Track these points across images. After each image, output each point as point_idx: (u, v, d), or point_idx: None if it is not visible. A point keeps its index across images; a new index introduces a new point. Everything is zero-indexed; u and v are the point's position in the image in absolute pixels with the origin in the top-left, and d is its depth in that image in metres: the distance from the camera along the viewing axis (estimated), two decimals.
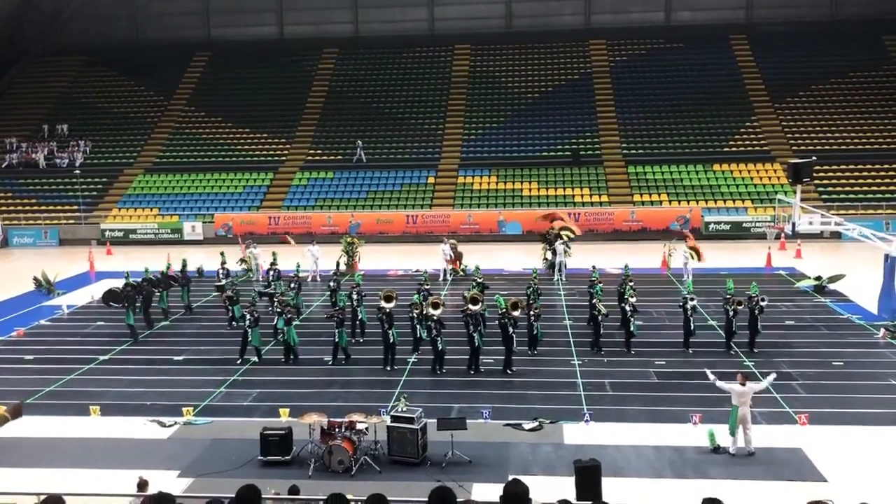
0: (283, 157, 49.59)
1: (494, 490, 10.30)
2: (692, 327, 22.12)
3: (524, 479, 6.56)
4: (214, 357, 22.71)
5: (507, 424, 17.08)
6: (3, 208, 47.65)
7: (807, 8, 53.67)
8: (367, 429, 15.50)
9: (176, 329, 26.12)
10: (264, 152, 50.11)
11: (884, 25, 51.89)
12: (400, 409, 15.66)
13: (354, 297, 23.96)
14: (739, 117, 48.39)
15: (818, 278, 29.44)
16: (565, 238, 32.66)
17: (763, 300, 21.91)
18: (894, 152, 44.82)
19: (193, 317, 27.53)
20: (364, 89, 54.04)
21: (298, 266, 28.97)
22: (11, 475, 14.66)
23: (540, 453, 15.79)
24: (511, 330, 20.50)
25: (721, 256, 34.14)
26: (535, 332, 22.08)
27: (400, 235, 43.01)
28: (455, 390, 19.40)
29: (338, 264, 30.57)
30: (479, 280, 26.31)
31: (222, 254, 29.82)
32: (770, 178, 44.19)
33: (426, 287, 24.86)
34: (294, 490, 12.13)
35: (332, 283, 27.06)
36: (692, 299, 22.20)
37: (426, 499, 6.23)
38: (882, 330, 23.25)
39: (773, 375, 16.45)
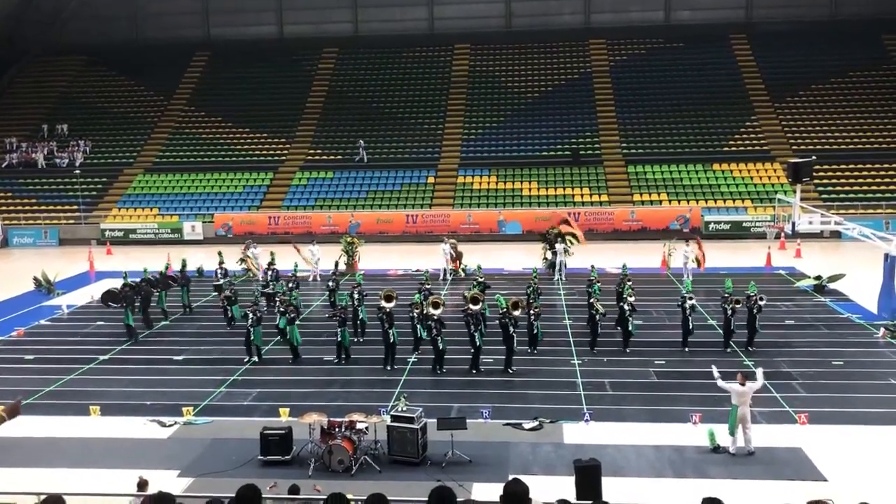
0: (283, 157, 49.59)
1: (494, 490, 10.29)
2: (691, 326, 22.13)
3: (524, 478, 6.56)
4: (214, 357, 22.73)
5: (507, 424, 17.08)
6: (3, 208, 47.65)
7: (806, 7, 53.67)
8: (367, 428, 15.51)
9: (176, 329, 26.12)
10: (264, 152, 50.11)
11: (884, 25, 51.89)
12: (400, 409, 15.66)
13: (355, 296, 23.95)
14: (739, 117, 48.39)
15: (818, 278, 29.44)
16: (568, 242, 32.69)
17: (762, 299, 21.93)
18: (894, 152, 44.82)
19: (193, 317, 27.53)
20: (364, 89, 54.03)
21: (297, 266, 28.96)
22: (11, 475, 14.66)
23: (540, 453, 15.79)
24: (511, 329, 20.50)
25: (721, 256, 34.13)
26: (535, 331, 22.09)
27: (400, 235, 43.01)
28: (455, 390, 19.40)
29: (336, 264, 30.57)
30: (480, 279, 26.31)
31: (220, 253, 29.83)
32: (770, 177, 44.19)
33: (427, 287, 24.85)
34: (294, 490, 12.14)
35: (331, 283, 27.08)
36: (691, 298, 22.21)
37: (426, 498, 6.22)
38: (882, 329, 23.25)
39: (761, 370, 16.44)
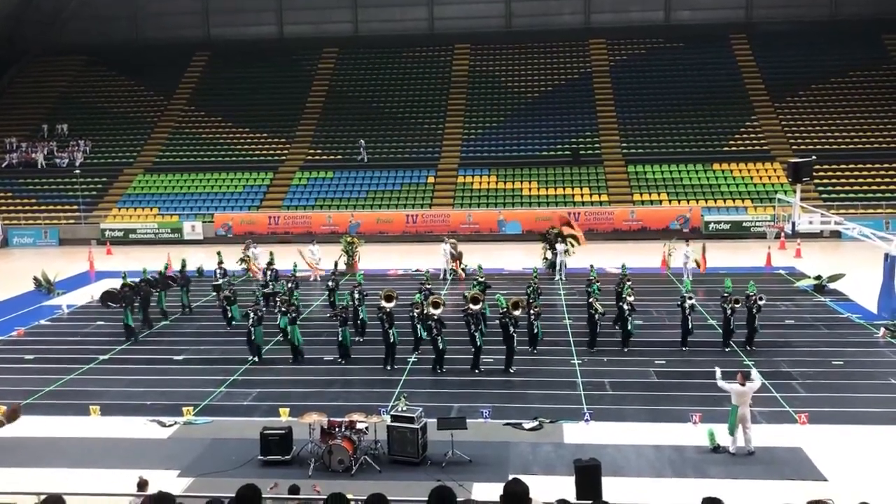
0: (283, 157, 49.59)
1: (494, 489, 10.29)
2: (690, 326, 22.13)
3: (524, 478, 6.56)
4: (214, 357, 22.73)
5: (507, 424, 17.08)
6: (3, 208, 47.66)
7: (806, 7, 53.67)
8: (367, 428, 15.50)
9: (176, 329, 26.12)
10: (264, 152, 50.12)
11: (884, 25, 51.90)
12: (400, 409, 15.66)
13: (356, 296, 23.95)
14: (739, 117, 48.40)
15: (818, 277, 29.44)
16: (570, 244, 32.71)
17: (761, 299, 21.93)
18: (894, 152, 44.83)
19: (193, 317, 27.52)
20: (364, 89, 54.03)
21: (295, 266, 28.96)
22: (11, 475, 14.66)
23: (540, 453, 15.78)
24: (512, 329, 20.50)
25: (721, 256, 34.13)
26: (535, 331, 22.10)
27: (400, 235, 43.01)
28: (455, 390, 19.40)
29: (336, 264, 30.57)
30: (480, 279, 26.31)
31: (219, 253, 29.86)
32: (770, 177, 44.20)
33: (428, 287, 24.84)
34: (294, 490, 12.14)
35: (330, 283, 27.09)
36: (690, 298, 22.22)
37: (426, 498, 6.22)
38: (882, 329, 23.25)
39: (755, 371, 16.38)
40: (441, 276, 32.37)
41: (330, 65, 56.39)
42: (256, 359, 21.97)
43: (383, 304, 21.33)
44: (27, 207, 47.80)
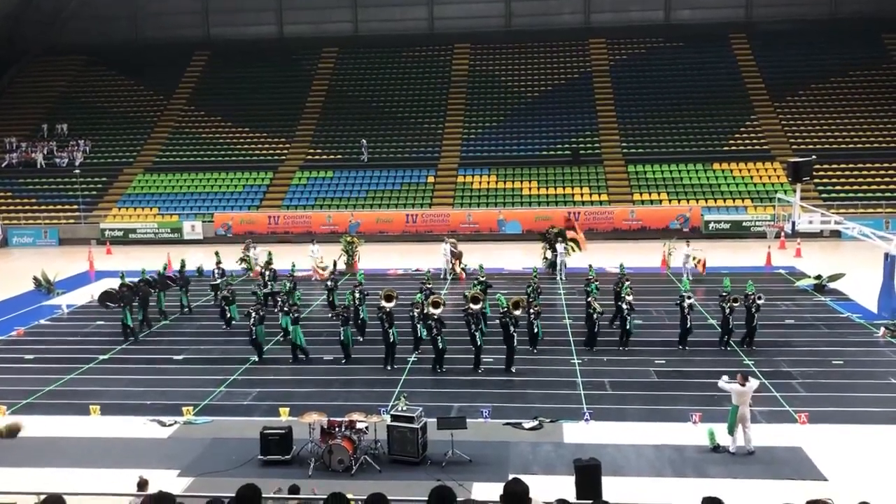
0: (283, 157, 49.59)
1: (494, 489, 10.31)
2: (689, 325, 22.14)
3: (524, 478, 6.56)
4: (214, 356, 22.73)
5: (507, 423, 17.08)
6: (3, 208, 47.67)
7: (807, 6, 53.67)
8: (367, 428, 15.50)
9: (175, 329, 26.12)
10: (264, 152, 50.12)
11: (884, 24, 51.88)
12: (400, 409, 15.66)
13: (357, 295, 23.94)
14: (739, 116, 48.39)
15: (818, 277, 29.43)
16: (570, 248, 32.72)
17: (760, 298, 21.93)
18: (894, 151, 44.82)
19: (193, 316, 27.51)
20: (364, 89, 54.03)
21: (294, 266, 28.97)
22: (11, 475, 14.66)
23: (540, 452, 15.78)
24: (512, 329, 20.50)
25: (721, 255, 34.14)
26: (535, 330, 22.09)
27: (400, 234, 43.01)
28: (455, 389, 19.40)
29: (335, 263, 30.57)
30: (481, 279, 26.30)
31: (217, 253, 29.86)
32: (770, 176, 44.20)
33: (428, 286, 24.83)
34: (294, 489, 12.14)
35: (329, 283, 27.08)
36: (689, 297, 22.22)
37: (426, 498, 6.23)
38: (882, 329, 23.26)
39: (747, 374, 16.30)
40: (441, 276, 32.37)
41: (330, 64, 56.38)
42: (256, 358, 21.97)
43: (383, 303, 21.33)
44: (27, 207, 47.80)
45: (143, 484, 12.29)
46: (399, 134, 50.09)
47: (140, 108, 54.39)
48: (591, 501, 11.21)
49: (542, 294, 25.89)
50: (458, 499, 6.29)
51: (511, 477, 6.61)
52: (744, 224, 41.25)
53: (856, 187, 42.91)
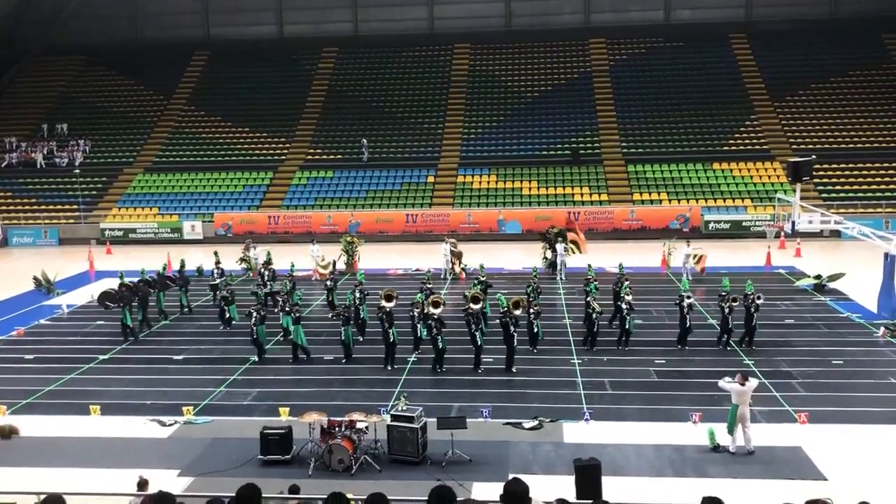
0: (283, 157, 49.59)
1: (494, 489, 10.31)
2: (688, 325, 22.14)
3: (524, 477, 6.57)
4: (214, 356, 22.73)
5: (507, 423, 17.08)
6: (3, 208, 47.67)
7: (807, 6, 53.66)
8: (367, 428, 15.50)
9: (175, 328, 26.12)
10: (264, 151, 50.12)
11: (884, 23, 51.88)
12: (400, 408, 15.66)
13: (357, 295, 23.94)
14: (739, 116, 48.39)
15: (818, 277, 29.44)
16: (571, 251, 32.72)
17: (759, 298, 21.93)
18: (894, 151, 44.82)
19: (193, 316, 27.51)
20: (364, 88, 54.03)
21: (293, 265, 28.97)
22: (11, 475, 14.66)
23: (540, 452, 15.78)
24: (512, 329, 20.51)
25: (721, 255, 34.13)
26: (535, 330, 22.10)
27: (399, 234, 43.01)
28: (455, 389, 19.40)
29: (334, 263, 30.56)
30: (482, 278, 26.30)
31: (216, 253, 29.85)
32: (770, 176, 44.20)
33: (429, 286, 24.84)
34: (294, 489, 12.14)
35: (328, 283, 27.09)
36: (688, 297, 22.22)
37: (426, 498, 6.23)
38: (882, 328, 23.26)
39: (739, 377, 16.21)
40: (442, 276, 32.37)
41: (330, 64, 56.38)
42: (257, 358, 21.98)
43: (383, 303, 21.33)
44: (27, 207, 47.81)
45: (143, 484, 12.29)
46: (399, 134, 50.09)
47: (140, 108, 54.39)
48: (591, 501, 11.21)
49: (542, 294, 25.91)
50: (458, 499, 6.29)
51: (511, 477, 6.61)
52: (744, 224, 41.25)
53: (856, 187, 42.92)
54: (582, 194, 44.26)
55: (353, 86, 54.31)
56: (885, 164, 44.13)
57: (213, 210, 45.56)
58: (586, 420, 17.14)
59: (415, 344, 21.94)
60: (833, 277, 29.15)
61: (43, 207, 47.42)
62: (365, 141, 48.42)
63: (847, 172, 43.85)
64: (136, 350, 23.60)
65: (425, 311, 21.38)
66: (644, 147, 47.15)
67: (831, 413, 17.30)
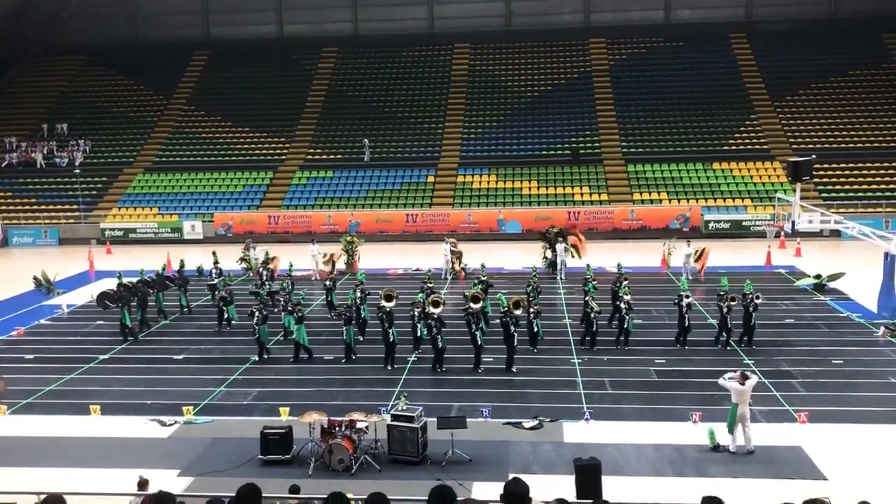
0: (283, 157, 49.59)
1: (495, 489, 10.32)
2: (687, 324, 22.14)
3: (524, 477, 6.57)
4: (214, 356, 22.73)
5: (507, 423, 17.08)
6: (3, 208, 47.67)
7: (807, 6, 53.67)
8: (367, 427, 15.50)
9: (175, 328, 26.12)
10: (264, 151, 50.12)
11: (884, 23, 51.88)
12: (400, 408, 15.66)
13: (358, 295, 23.94)
14: (739, 116, 48.39)
15: (818, 276, 29.44)
16: (571, 254, 32.73)
17: (758, 297, 21.93)
18: (894, 151, 44.82)
19: (193, 316, 27.51)
20: (363, 88, 54.03)
21: (291, 265, 28.95)
22: (11, 475, 14.66)
23: (540, 452, 15.78)
24: (513, 329, 20.50)
25: (721, 255, 34.10)
26: (535, 329, 22.10)
27: (400, 234, 43.02)
28: (455, 389, 19.40)
29: (333, 263, 30.54)
30: (483, 278, 26.30)
31: (214, 253, 29.83)
32: (770, 176, 44.19)
33: (429, 286, 24.84)
34: (294, 489, 12.14)
35: (327, 283, 27.09)
36: (687, 297, 22.22)
37: (426, 498, 6.23)
38: (882, 328, 23.26)
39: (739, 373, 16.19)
40: (442, 276, 32.37)
41: (330, 64, 56.38)
42: (257, 357, 21.98)
43: (383, 303, 21.33)
44: (27, 207, 47.81)
45: (143, 484, 12.29)
46: (399, 134, 50.08)
47: (140, 108, 54.40)
48: (591, 501, 11.21)
49: (542, 293, 25.90)
50: (458, 498, 6.29)
51: (511, 476, 6.61)
52: (744, 224, 41.25)
53: (856, 187, 42.92)
54: (582, 194, 44.26)
55: (353, 86, 54.30)
56: (885, 164, 44.12)
57: (213, 210, 45.57)
58: (586, 420, 17.14)
59: (415, 344, 21.94)
60: (833, 277, 29.16)
61: (43, 207, 47.42)
62: (367, 141, 48.43)
63: (847, 172, 43.86)
64: (136, 350, 23.61)
65: (426, 310, 21.37)
66: (644, 147, 47.14)
67: (831, 413, 17.30)
